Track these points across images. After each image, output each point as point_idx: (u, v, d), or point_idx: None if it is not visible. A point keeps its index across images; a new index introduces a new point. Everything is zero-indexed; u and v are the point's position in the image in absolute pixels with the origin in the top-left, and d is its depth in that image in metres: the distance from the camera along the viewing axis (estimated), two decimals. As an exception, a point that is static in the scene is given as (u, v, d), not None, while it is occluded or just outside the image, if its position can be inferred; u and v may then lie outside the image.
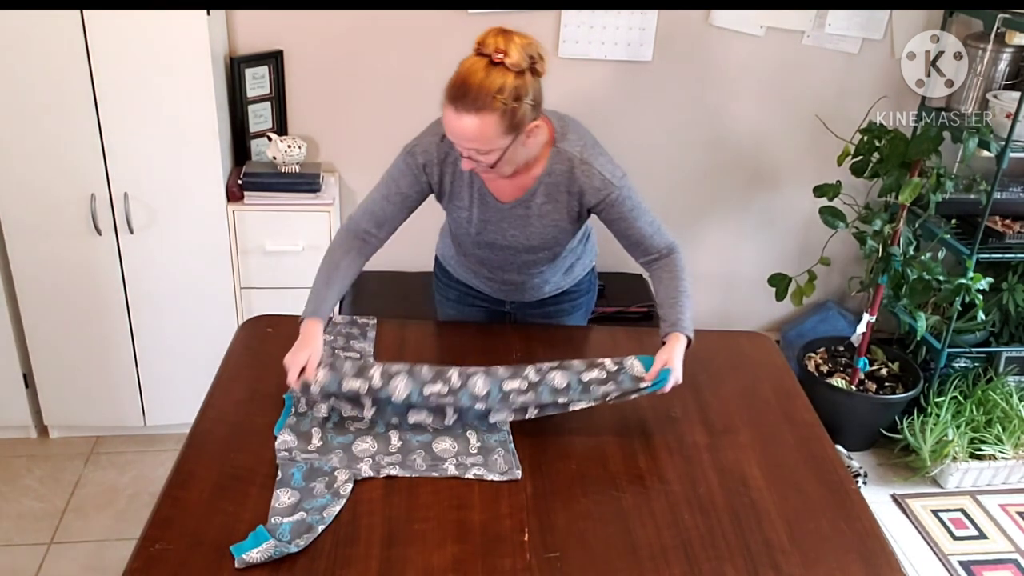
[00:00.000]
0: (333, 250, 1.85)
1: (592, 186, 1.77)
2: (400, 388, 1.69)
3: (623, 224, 1.82)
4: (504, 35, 1.57)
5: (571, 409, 1.71)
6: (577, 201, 1.80)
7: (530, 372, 1.74)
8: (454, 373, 1.73)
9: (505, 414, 1.71)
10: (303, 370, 1.68)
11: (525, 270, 1.97)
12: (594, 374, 1.73)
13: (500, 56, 1.55)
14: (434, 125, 1.79)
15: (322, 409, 1.71)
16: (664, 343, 1.76)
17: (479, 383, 1.71)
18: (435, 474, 1.60)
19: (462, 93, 1.56)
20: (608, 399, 1.71)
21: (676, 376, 1.71)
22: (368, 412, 1.70)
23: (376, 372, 1.70)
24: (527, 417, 1.70)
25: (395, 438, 1.69)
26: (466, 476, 1.60)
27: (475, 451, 1.67)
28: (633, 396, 1.71)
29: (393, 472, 1.59)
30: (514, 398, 1.70)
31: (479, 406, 1.70)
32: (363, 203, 1.87)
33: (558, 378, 1.72)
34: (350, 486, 1.55)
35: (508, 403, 1.70)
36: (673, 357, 1.72)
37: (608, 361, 1.76)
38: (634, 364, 1.75)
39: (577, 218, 1.85)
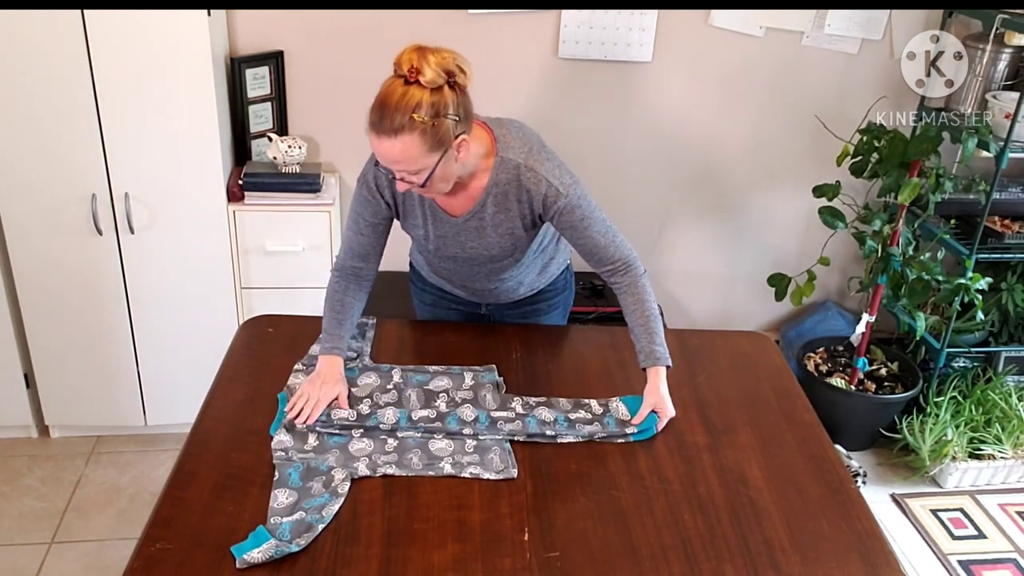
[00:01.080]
0: (333, 291, 1.86)
1: (539, 192, 1.74)
2: (388, 415, 1.71)
3: (574, 233, 1.78)
4: (419, 52, 1.54)
5: (559, 441, 1.72)
6: (528, 208, 1.78)
7: (517, 405, 1.77)
8: (442, 403, 1.76)
9: (492, 438, 1.72)
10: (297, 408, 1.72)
11: (493, 277, 1.96)
12: (580, 414, 1.76)
13: (414, 74, 1.53)
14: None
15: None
16: (644, 370, 1.78)
17: (467, 411, 1.73)
18: (431, 473, 1.60)
19: (380, 117, 1.54)
20: (595, 438, 1.73)
21: (670, 412, 1.75)
22: (356, 434, 1.70)
23: (364, 405, 1.73)
24: (515, 439, 1.71)
25: (391, 438, 1.69)
26: (462, 475, 1.60)
27: (471, 450, 1.67)
28: (620, 440, 1.73)
29: (389, 471, 1.59)
30: (502, 425, 1.72)
31: (467, 431, 1.71)
32: (343, 242, 1.89)
33: (545, 413, 1.75)
34: (347, 485, 1.55)
35: (496, 429, 1.71)
36: (661, 398, 1.75)
37: (594, 403, 1.80)
38: (619, 407, 1.78)
39: (532, 225, 1.83)
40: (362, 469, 1.59)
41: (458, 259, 1.91)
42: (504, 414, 1.73)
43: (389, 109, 1.53)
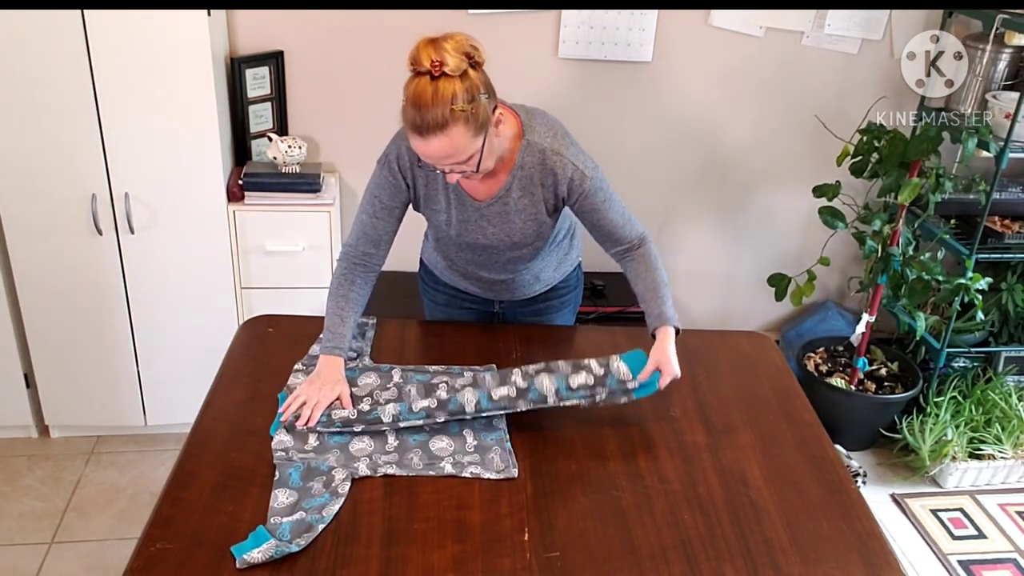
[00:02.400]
0: (340, 283, 1.85)
1: (565, 175, 1.76)
2: (389, 409, 1.71)
3: (595, 216, 1.83)
4: (433, 44, 1.54)
5: (562, 404, 1.72)
6: (552, 192, 1.80)
7: (517, 378, 1.74)
8: (442, 391, 1.75)
9: (497, 413, 1.72)
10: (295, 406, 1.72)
11: (511, 267, 1.97)
12: (581, 378, 1.73)
13: (439, 67, 1.53)
14: (400, 133, 1.78)
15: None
16: (654, 336, 1.79)
17: (468, 395, 1.72)
18: (432, 472, 1.60)
19: (420, 118, 1.54)
20: (598, 400, 1.72)
21: (675, 371, 1.74)
22: (358, 428, 1.70)
23: (365, 404, 1.73)
24: (518, 409, 1.71)
25: (392, 437, 1.70)
26: (463, 475, 1.60)
27: (472, 449, 1.67)
28: (623, 400, 1.73)
29: (390, 471, 1.60)
30: (503, 403, 1.72)
31: (469, 409, 1.70)
32: (354, 227, 1.87)
33: (546, 383, 1.72)
34: (348, 485, 1.55)
35: (498, 407, 1.71)
36: (667, 354, 1.74)
37: (594, 363, 1.75)
38: (620, 367, 1.74)
39: (554, 210, 1.85)
40: (362, 469, 1.59)
41: (478, 247, 1.91)
42: (505, 392, 1.71)
43: (427, 107, 1.53)
